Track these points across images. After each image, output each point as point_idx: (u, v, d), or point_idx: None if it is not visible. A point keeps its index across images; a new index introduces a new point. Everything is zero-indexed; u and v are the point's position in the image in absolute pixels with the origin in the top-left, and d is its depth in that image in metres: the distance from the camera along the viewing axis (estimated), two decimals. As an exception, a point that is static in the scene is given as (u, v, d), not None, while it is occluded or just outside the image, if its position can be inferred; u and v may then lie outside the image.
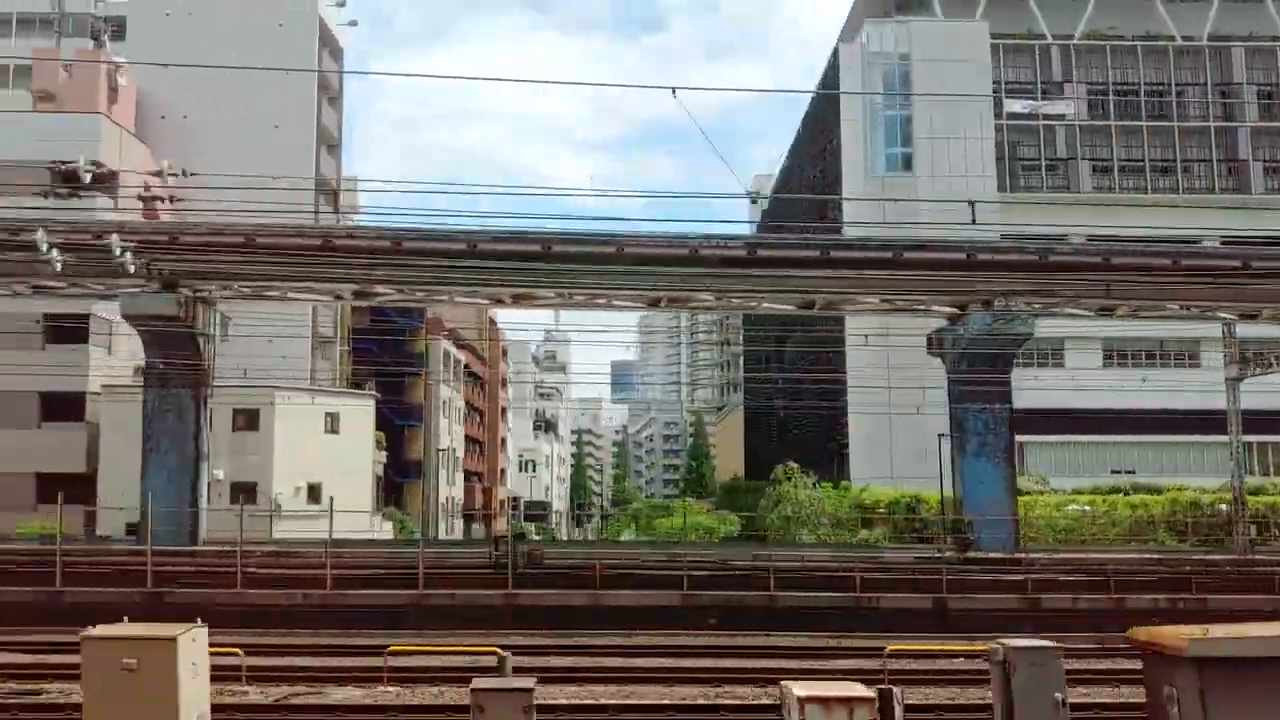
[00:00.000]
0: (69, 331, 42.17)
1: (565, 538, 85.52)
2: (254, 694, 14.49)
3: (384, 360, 53.34)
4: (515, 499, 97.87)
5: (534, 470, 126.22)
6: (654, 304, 35.13)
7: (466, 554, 28.97)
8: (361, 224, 43.64)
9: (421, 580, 23.59)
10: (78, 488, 42.05)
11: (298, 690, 14.79)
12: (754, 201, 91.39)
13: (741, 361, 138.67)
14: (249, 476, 41.31)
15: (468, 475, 72.98)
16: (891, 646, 15.72)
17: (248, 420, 41.77)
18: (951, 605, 23.69)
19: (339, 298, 34.94)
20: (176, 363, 32.33)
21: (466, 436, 72.51)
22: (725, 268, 32.29)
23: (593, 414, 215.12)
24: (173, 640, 9.87)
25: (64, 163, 40.81)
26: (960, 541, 33.25)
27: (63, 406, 42.15)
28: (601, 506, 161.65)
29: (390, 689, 14.97)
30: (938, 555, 30.98)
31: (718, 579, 24.20)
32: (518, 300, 33.98)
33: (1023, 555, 31.90)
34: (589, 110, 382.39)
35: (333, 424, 43.54)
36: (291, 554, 29.72)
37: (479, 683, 10.66)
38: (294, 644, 19.09)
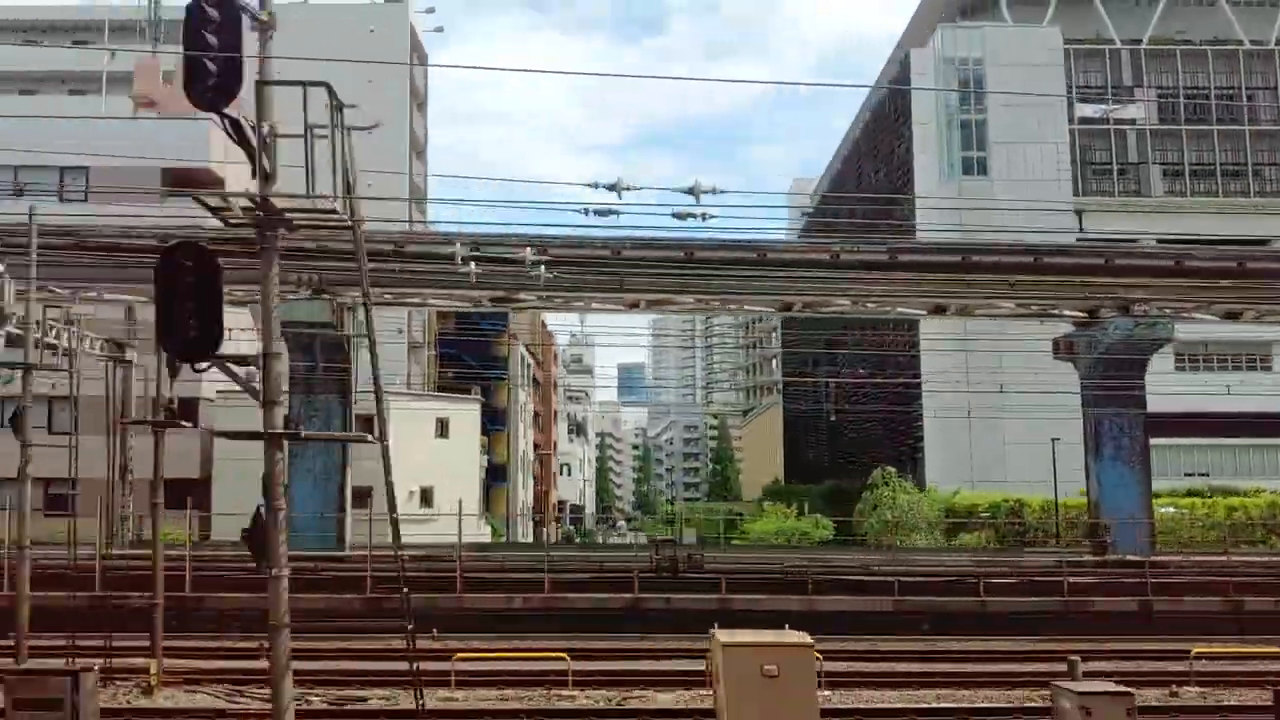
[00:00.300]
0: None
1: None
2: (581, 698, 14.68)
3: (470, 364, 53.54)
4: (563, 503, 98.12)
5: (569, 473, 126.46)
6: (786, 308, 35.37)
7: (622, 558, 29.09)
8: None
9: (637, 584, 23.75)
10: (192, 493, 42.24)
11: (626, 694, 14.98)
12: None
13: (778, 364, 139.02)
14: (365, 481, 41.42)
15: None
16: (1196, 649, 15.95)
17: (364, 425, 41.89)
18: (1156, 608, 23.91)
19: (478, 304, 35.10)
20: (325, 369, 32.57)
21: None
22: (865, 271, 32.53)
23: (612, 417, 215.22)
24: (809, 647, 10.09)
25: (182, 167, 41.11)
26: (1098, 545, 33.51)
27: (184, 412, 42.19)
28: (620, 510, 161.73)
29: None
30: (1078, 559, 31.27)
31: (927, 585, 24.37)
32: (654, 305, 34.27)
33: (1159, 558, 32.10)
34: (588, 111, 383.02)
35: (443, 428, 43.72)
36: (440, 558, 29.88)
37: (1064, 685, 10.86)
38: (553, 648, 19.18)
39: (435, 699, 14.57)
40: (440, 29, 56.04)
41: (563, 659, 15.02)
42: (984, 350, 51.63)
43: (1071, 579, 24.63)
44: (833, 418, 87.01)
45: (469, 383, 53.92)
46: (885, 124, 69.20)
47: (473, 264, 29.29)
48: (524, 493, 62.37)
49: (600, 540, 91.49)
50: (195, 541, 36.60)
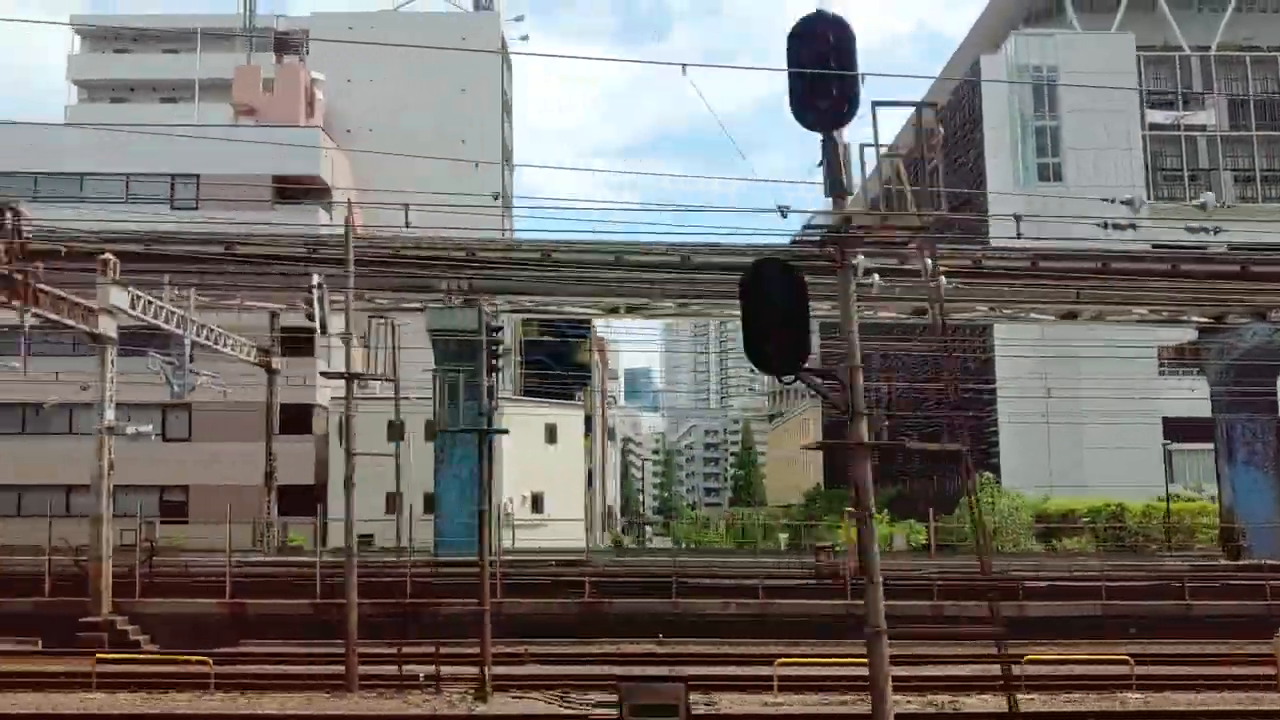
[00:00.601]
0: (296, 345, 42.51)
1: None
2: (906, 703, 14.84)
3: (553, 371, 53.67)
4: (609, 508, 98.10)
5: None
6: (919, 313, 35.52)
7: (779, 566, 29.25)
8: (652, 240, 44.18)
9: (850, 593, 23.85)
10: (307, 499, 42.53)
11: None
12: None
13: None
14: (480, 488, 41.64)
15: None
16: None
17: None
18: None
19: (614, 311, 35.28)
20: (469, 376, 32.73)
21: (591, 446, 72.86)
22: (1006, 279, 32.75)
23: (631, 421, 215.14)
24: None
25: (298, 176, 41.20)
26: (1232, 549, 33.71)
27: (292, 419, 42.42)
28: (641, 514, 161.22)
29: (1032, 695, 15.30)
30: (1210, 564, 31.49)
31: (1131, 589, 24.55)
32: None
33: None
34: (594, 116, 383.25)
35: (551, 434, 43.89)
36: (582, 563, 30.07)
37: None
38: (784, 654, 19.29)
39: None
40: (526, 37, 56.27)
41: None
42: (1063, 355, 51.95)
43: (1272, 583, 24.75)
44: (885, 423, 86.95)
45: (555, 390, 54.06)
46: (952, 131, 69.42)
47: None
48: (604, 498, 62.54)
49: (641, 545, 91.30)
50: (321, 548, 36.77)
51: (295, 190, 42.57)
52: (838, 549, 31.01)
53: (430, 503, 42.46)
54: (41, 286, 19.68)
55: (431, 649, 17.18)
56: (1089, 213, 51.22)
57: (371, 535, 40.57)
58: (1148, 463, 54.57)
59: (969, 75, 65.60)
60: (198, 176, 42.37)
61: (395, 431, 30.03)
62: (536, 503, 42.01)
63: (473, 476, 33.72)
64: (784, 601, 23.72)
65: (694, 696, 15.17)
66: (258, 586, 24.06)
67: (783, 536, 49.00)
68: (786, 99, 8.66)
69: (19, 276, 18.39)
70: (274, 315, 35.04)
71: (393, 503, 42.59)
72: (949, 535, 48.05)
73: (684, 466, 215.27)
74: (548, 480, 41.69)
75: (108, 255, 23.32)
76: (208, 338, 29.89)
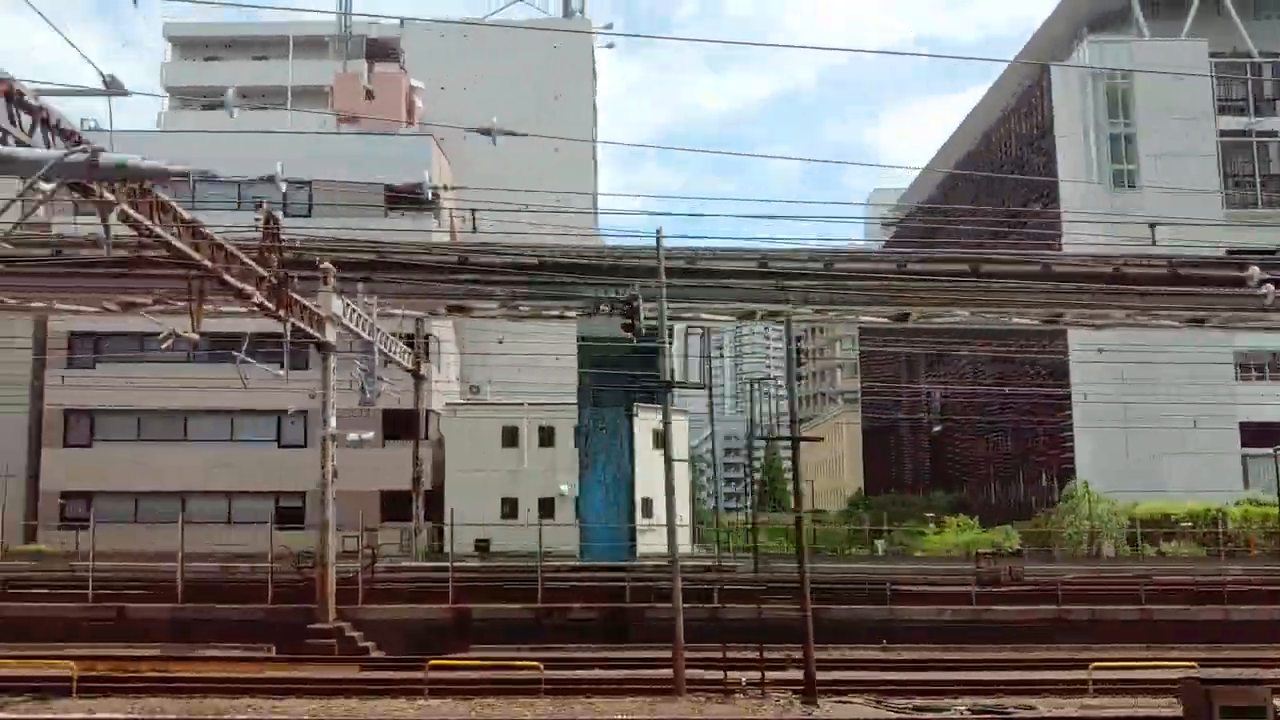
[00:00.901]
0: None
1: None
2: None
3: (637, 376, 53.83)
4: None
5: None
6: (1052, 320, 35.81)
7: (943, 571, 29.42)
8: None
9: (1061, 595, 24.07)
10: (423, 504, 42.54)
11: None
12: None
13: (842, 374, 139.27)
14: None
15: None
16: None
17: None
18: None
19: (750, 316, 35.46)
20: (612, 383, 33.02)
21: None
22: (1148, 285, 32.96)
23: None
24: None
25: (420, 186, 41.33)
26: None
27: (405, 424, 42.59)
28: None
29: None
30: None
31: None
32: (928, 317, 34.75)
33: None
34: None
35: (657, 439, 44.03)
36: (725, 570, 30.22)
37: None
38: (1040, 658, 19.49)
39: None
40: (611, 45, 56.46)
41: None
42: (1142, 361, 52.22)
43: None
44: (937, 428, 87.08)
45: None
46: (1010, 136, 69.76)
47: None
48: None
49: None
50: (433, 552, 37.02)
51: (406, 197, 42.74)
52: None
53: (545, 507, 42.72)
54: (294, 295, 19.89)
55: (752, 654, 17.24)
56: (1166, 216, 51.65)
57: (488, 540, 40.79)
58: (1222, 467, 54.96)
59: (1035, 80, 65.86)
60: (309, 183, 42.53)
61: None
62: (646, 507, 42.11)
63: (616, 481, 34.05)
64: (997, 608, 23.89)
65: (1003, 700, 15.38)
66: (477, 591, 24.23)
67: (879, 543, 49.16)
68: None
69: (282, 286, 18.58)
70: (419, 321, 35.24)
71: (507, 508, 42.87)
72: (1040, 539, 48.31)
73: (704, 471, 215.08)
74: (654, 486, 41.88)
75: (327, 264, 23.53)
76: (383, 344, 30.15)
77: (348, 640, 21.80)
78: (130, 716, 15.27)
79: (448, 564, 25.46)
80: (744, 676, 16.69)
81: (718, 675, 16.83)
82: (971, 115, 79.35)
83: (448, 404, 42.12)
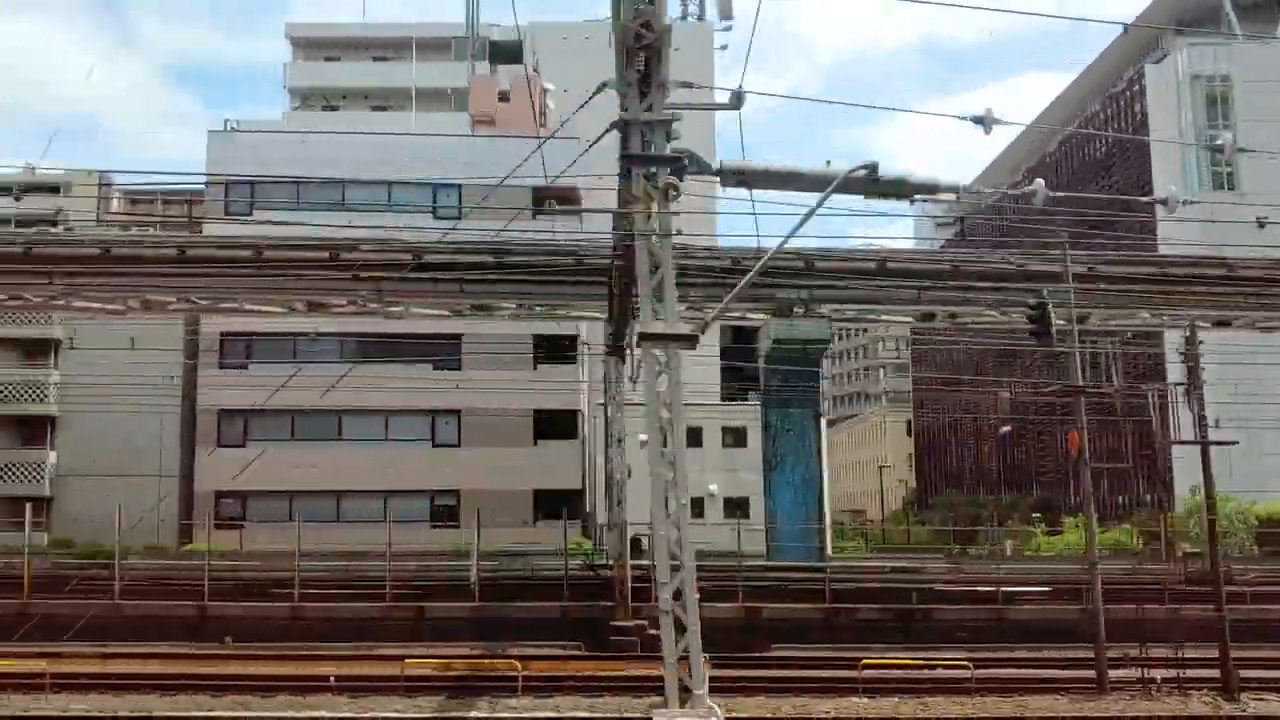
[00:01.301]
0: (555, 352, 43.13)
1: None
2: None
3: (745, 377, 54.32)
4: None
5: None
6: (1223, 322, 36.30)
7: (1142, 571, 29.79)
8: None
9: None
10: (568, 503, 43.02)
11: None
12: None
13: (885, 373, 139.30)
14: (740, 492, 42.28)
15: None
16: None
17: (736, 437, 42.80)
18: None
19: (930, 317, 35.86)
20: (800, 385, 33.43)
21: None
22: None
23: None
24: None
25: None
26: None
27: (555, 424, 43.05)
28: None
29: None
30: None
31: None
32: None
33: None
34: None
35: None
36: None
37: None
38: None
39: None
40: (725, 46, 56.75)
41: None
42: (1245, 361, 52.54)
43: None
44: (1005, 429, 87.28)
45: (743, 392, 54.73)
46: (1094, 139, 70.04)
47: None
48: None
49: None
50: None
51: (554, 199, 43.10)
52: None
53: (695, 506, 43.04)
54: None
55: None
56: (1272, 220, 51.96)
57: (640, 539, 41.12)
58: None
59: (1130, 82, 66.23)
60: (459, 186, 42.88)
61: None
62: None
63: (805, 483, 34.43)
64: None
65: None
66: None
67: (1010, 542, 49.47)
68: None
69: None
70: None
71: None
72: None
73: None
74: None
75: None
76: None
77: (651, 639, 21.97)
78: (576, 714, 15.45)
79: (735, 564, 25.79)
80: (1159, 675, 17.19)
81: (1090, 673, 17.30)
82: (1043, 117, 79.50)
83: (596, 403, 42.54)
